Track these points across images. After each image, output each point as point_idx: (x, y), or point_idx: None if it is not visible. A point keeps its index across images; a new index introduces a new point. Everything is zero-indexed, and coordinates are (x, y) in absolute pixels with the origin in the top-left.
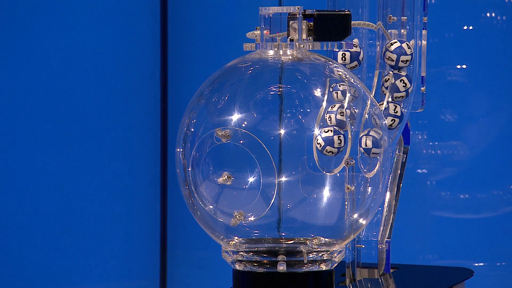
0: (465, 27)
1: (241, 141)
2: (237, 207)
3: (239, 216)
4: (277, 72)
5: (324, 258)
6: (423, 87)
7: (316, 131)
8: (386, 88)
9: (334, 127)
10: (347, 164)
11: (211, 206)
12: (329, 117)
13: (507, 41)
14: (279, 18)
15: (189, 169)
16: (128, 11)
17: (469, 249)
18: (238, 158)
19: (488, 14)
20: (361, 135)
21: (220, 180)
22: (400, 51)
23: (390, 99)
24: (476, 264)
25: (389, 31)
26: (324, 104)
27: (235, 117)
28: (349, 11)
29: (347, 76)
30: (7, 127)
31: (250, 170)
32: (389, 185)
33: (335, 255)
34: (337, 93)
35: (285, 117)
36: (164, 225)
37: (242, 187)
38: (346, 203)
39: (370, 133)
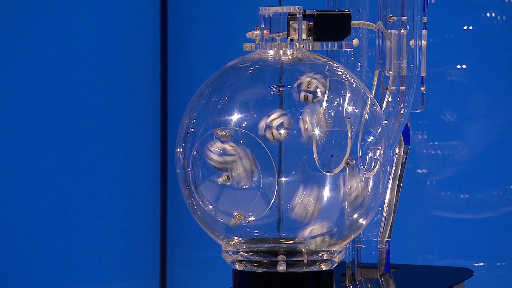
0: (465, 27)
1: (241, 141)
2: (237, 207)
3: (239, 216)
4: (277, 72)
5: (324, 258)
6: (423, 87)
7: (316, 131)
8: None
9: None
10: (347, 164)
11: (211, 206)
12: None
13: (507, 41)
14: (279, 18)
15: (189, 169)
16: (128, 11)
17: (469, 249)
18: None
19: (488, 14)
20: None
21: (220, 180)
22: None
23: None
24: (476, 264)
25: (389, 31)
26: (324, 104)
27: (235, 117)
28: (349, 11)
29: (347, 76)
30: (7, 127)
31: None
32: (389, 185)
33: (335, 255)
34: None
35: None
36: (164, 225)
37: (242, 187)
38: (346, 203)
39: None
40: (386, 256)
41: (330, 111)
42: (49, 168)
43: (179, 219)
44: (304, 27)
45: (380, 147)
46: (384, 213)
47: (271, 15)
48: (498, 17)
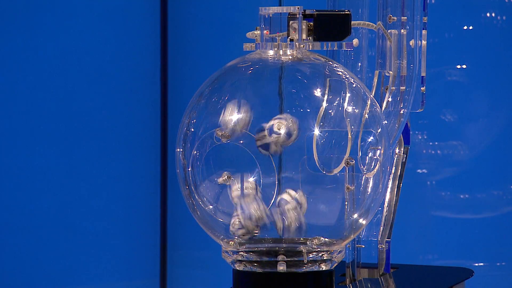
0: (465, 27)
1: (241, 141)
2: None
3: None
4: (277, 72)
5: (324, 258)
6: (423, 87)
7: (316, 130)
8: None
9: None
10: (347, 164)
11: (211, 206)
12: None
13: (507, 41)
14: (279, 18)
15: (189, 169)
16: (128, 11)
17: (469, 249)
18: (238, 158)
19: (488, 14)
20: None
21: (220, 180)
22: None
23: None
24: (476, 264)
25: (389, 31)
26: (324, 104)
27: (235, 117)
28: (349, 11)
29: (347, 76)
30: (7, 127)
31: (250, 170)
32: (389, 185)
33: (335, 255)
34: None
35: None
36: (164, 225)
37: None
38: (346, 203)
39: None
40: (386, 256)
41: (330, 111)
42: (49, 168)
43: (179, 219)
44: (304, 27)
45: (380, 147)
46: (384, 213)
47: (271, 15)
48: (498, 17)
